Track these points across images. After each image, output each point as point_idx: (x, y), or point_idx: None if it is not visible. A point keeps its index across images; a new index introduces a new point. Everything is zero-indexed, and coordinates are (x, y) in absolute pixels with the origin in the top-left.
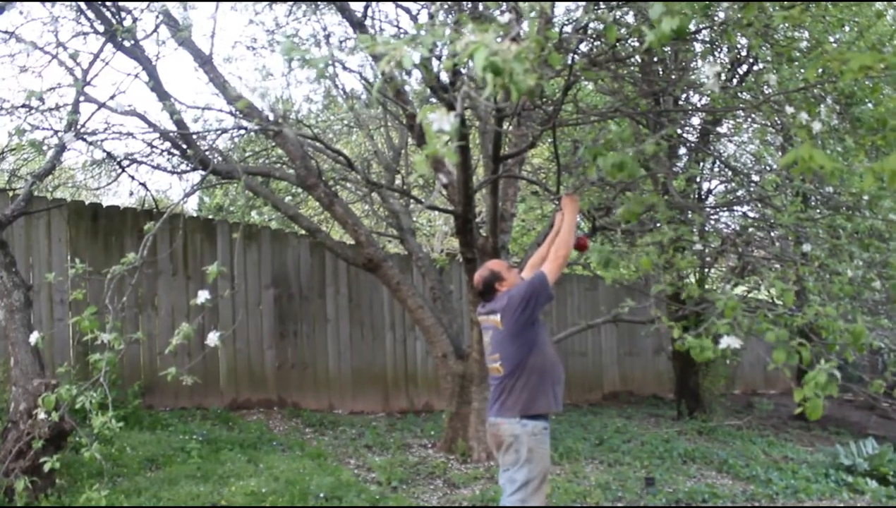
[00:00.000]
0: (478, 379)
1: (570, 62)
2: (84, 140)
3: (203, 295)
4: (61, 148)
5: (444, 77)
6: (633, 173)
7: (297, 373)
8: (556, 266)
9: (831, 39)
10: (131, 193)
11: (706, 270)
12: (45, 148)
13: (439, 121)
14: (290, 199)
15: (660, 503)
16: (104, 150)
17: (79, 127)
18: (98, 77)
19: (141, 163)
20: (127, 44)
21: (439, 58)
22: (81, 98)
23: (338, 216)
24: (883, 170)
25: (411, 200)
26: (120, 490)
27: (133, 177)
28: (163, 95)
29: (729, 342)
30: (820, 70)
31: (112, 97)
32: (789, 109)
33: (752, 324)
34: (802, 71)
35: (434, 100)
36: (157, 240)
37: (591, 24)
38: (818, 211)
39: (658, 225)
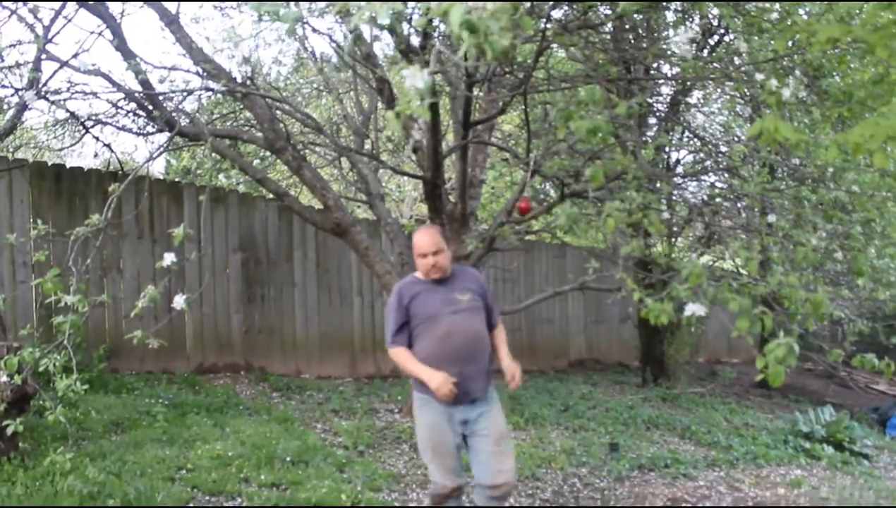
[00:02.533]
0: None
1: (542, 28)
2: (46, 99)
3: (169, 258)
4: (22, 107)
5: (415, 41)
6: (606, 138)
7: (265, 338)
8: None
9: (801, 11)
10: (96, 154)
11: (673, 239)
12: (5, 107)
13: (413, 77)
14: (258, 163)
15: (623, 468)
16: (67, 110)
17: (41, 85)
18: (60, 34)
19: (105, 123)
20: (90, 0)
21: (410, 21)
22: (43, 56)
23: (306, 180)
24: (847, 143)
25: (380, 165)
26: (84, 453)
27: (97, 138)
28: (128, 54)
29: (694, 309)
30: (789, 41)
31: (75, 55)
32: (759, 76)
33: (717, 293)
34: (772, 42)
35: (404, 63)
36: (122, 202)
37: None
38: (784, 182)
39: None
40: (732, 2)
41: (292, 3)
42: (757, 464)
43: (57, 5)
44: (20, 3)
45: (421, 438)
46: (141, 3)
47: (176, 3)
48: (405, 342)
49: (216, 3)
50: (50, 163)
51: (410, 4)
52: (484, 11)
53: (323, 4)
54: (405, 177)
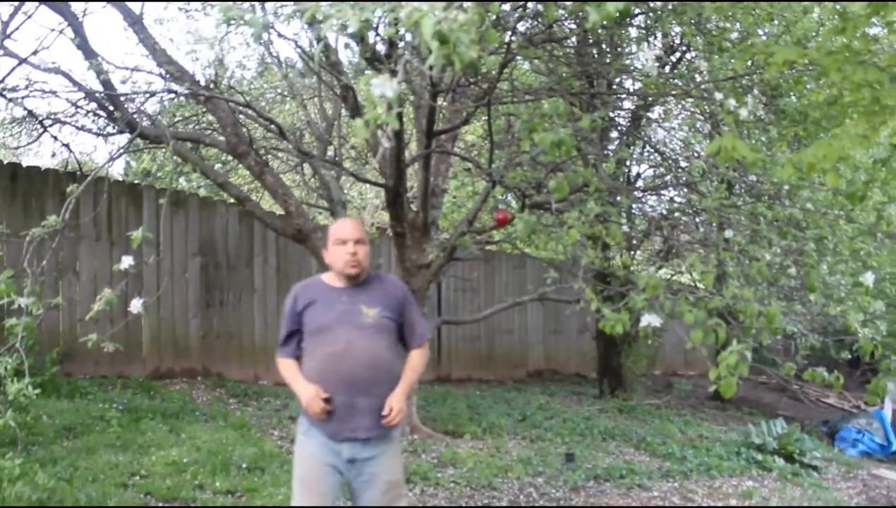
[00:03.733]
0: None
1: (507, 40)
2: (3, 96)
3: (127, 261)
4: None
5: (381, 49)
6: (570, 151)
7: (223, 343)
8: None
9: (760, 32)
10: (53, 154)
11: (632, 252)
12: None
13: (381, 86)
14: (219, 167)
15: (579, 478)
16: (25, 108)
17: None
18: (20, 31)
19: (64, 123)
20: None
21: (376, 29)
22: (1, 52)
23: (268, 185)
24: (802, 162)
25: (343, 172)
26: (34, 458)
27: (56, 138)
28: (90, 54)
29: (650, 319)
30: (748, 61)
31: (35, 52)
32: (718, 95)
33: (674, 306)
34: (732, 61)
35: (370, 71)
36: (80, 203)
37: (530, 4)
38: (741, 198)
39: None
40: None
41: (259, 8)
42: (710, 475)
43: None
44: None
45: (295, 474)
46: (104, 3)
47: (140, 4)
48: (293, 354)
49: (181, 5)
50: (5, 162)
51: (377, 13)
52: (455, 23)
53: (289, 10)
54: (367, 185)
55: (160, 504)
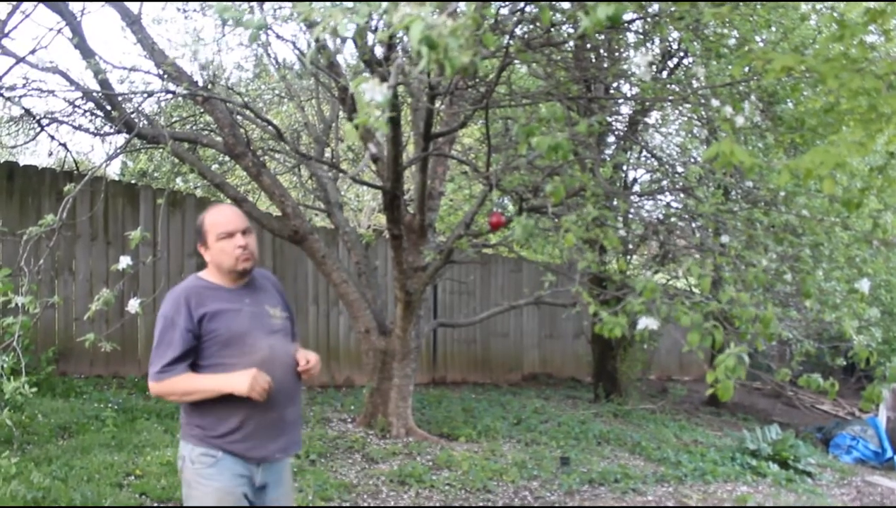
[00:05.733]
0: (400, 356)
1: (505, 44)
2: (1, 95)
3: (125, 261)
4: None
5: (379, 51)
6: (567, 155)
7: None
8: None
9: (758, 39)
10: (50, 153)
11: (628, 256)
12: None
13: (372, 91)
14: (216, 167)
15: (574, 482)
16: (22, 107)
17: None
18: (17, 30)
19: (62, 122)
20: None
21: (374, 31)
22: None
23: (265, 186)
24: (798, 168)
25: (340, 174)
26: (30, 457)
27: (53, 137)
28: (87, 53)
29: (647, 323)
30: (746, 68)
31: (32, 52)
32: (715, 102)
33: (670, 310)
34: (730, 67)
35: (368, 73)
36: (76, 202)
37: (528, 8)
38: (737, 204)
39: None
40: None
41: (256, 9)
42: (705, 481)
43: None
44: None
45: None
46: (102, 3)
47: (138, 4)
48: (182, 374)
49: (179, 5)
50: (2, 161)
51: (374, 16)
52: (444, 28)
53: (287, 12)
54: (364, 187)
55: (155, 505)
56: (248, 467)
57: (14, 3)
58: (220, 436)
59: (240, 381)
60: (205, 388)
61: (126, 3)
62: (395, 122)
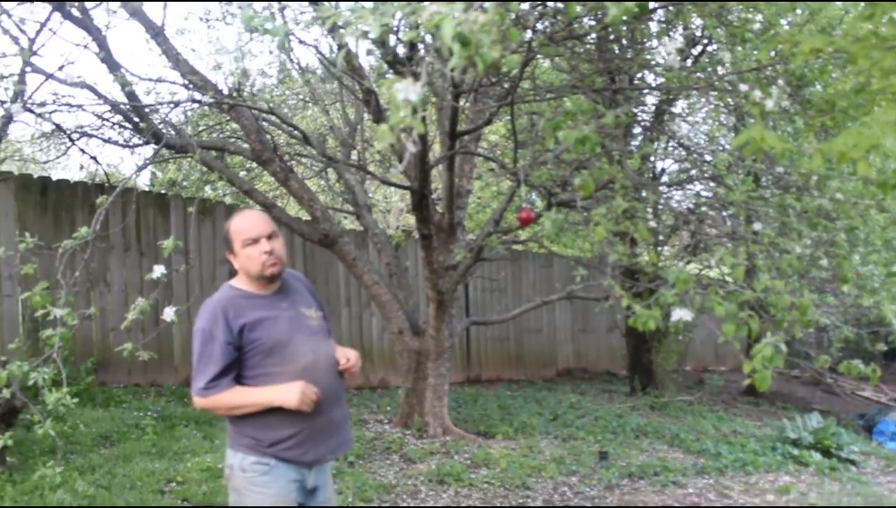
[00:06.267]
0: (434, 355)
1: (527, 38)
2: (32, 112)
3: (159, 270)
4: (8, 119)
5: (401, 52)
6: (594, 148)
7: None
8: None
9: (783, 22)
10: (81, 167)
11: (659, 248)
12: None
13: (405, 90)
14: (244, 174)
15: (613, 476)
16: (53, 123)
17: (26, 98)
18: (45, 47)
19: (91, 136)
20: (76, 12)
21: (396, 33)
22: (28, 68)
23: (293, 191)
24: (831, 152)
25: (368, 176)
26: (73, 467)
27: (83, 151)
28: (114, 66)
29: (681, 314)
30: (772, 52)
31: (61, 67)
32: (743, 87)
33: (704, 301)
34: (755, 52)
35: (391, 75)
36: (109, 214)
37: (549, 3)
38: (768, 190)
39: (615, 201)
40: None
41: (278, 15)
42: (746, 471)
43: (42, 17)
44: (5, 16)
45: None
46: (127, 16)
47: (162, 15)
48: (228, 388)
49: (202, 14)
50: (35, 176)
51: (397, 16)
52: (475, 24)
53: (309, 17)
54: (392, 188)
55: None
56: (300, 471)
57: (40, 21)
58: (271, 445)
59: (289, 395)
60: (253, 402)
61: (149, 16)
62: (422, 122)
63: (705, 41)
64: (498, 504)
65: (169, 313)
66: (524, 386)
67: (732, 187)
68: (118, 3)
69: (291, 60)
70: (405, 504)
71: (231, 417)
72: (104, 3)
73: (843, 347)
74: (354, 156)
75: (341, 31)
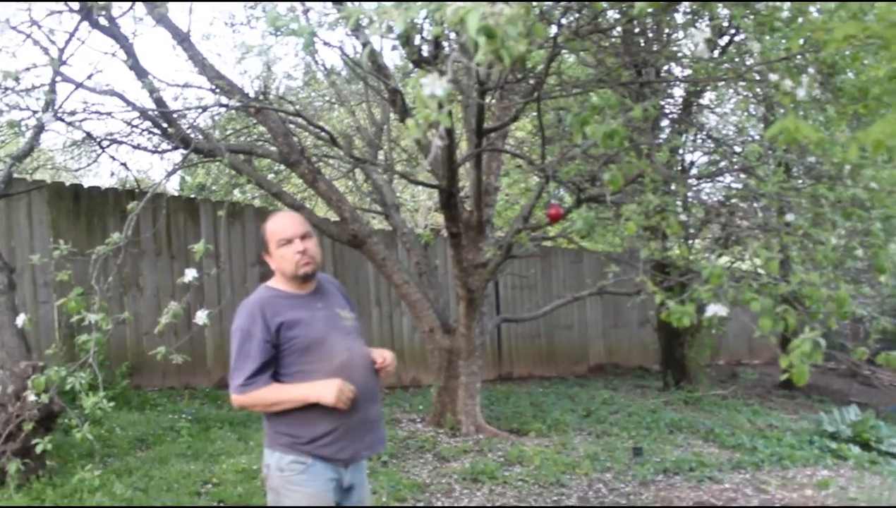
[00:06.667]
0: (465, 353)
1: (553, 33)
2: (63, 120)
3: (191, 274)
4: (39, 128)
5: (425, 50)
6: (623, 142)
7: None
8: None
9: (811, 9)
10: (112, 173)
11: (690, 241)
12: (23, 129)
13: (432, 85)
14: (272, 177)
15: (648, 472)
16: (83, 131)
17: (57, 107)
18: (74, 56)
19: (121, 142)
20: (103, 21)
21: (420, 31)
22: (58, 78)
23: (321, 192)
24: (867, 140)
25: (395, 175)
26: (111, 470)
27: (114, 158)
28: (141, 73)
29: (716, 309)
30: (801, 39)
31: (90, 76)
32: (773, 77)
33: (738, 294)
34: (784, 41)
35: (417, 73)
36: (140, 220)
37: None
38: (800, 180)
39: (647, 195)
40: (743, 1)
41: (302, 16)
42: (783, 466)
43: (70, 27)
44: (35, 27)
45: None
46: (153, 23)
47: (187, 22)
48: (265, 385)
49: (226, 19)
50: (68, 184)
51: (422, 14)
52: (501, 17)
53: (333, 17)
54: (419, 187)
55: None
56: (337, 470)
57: (68, 31)
58: (308, 442)
59: (326, 392)
60: (290, 398)
61: (175, 22)
62: (448, 118)
63: (732, 31)
64: (532, 502)
65: (201, 316)
66: (556, 383)
67: (763, 178)
68: (145, 11)
69: (316, 62)
70: (439, 504)
71: (268, 415)
72: (131, 11)
73: (881, 338)
74: (381, 155)
75: (365, 29)
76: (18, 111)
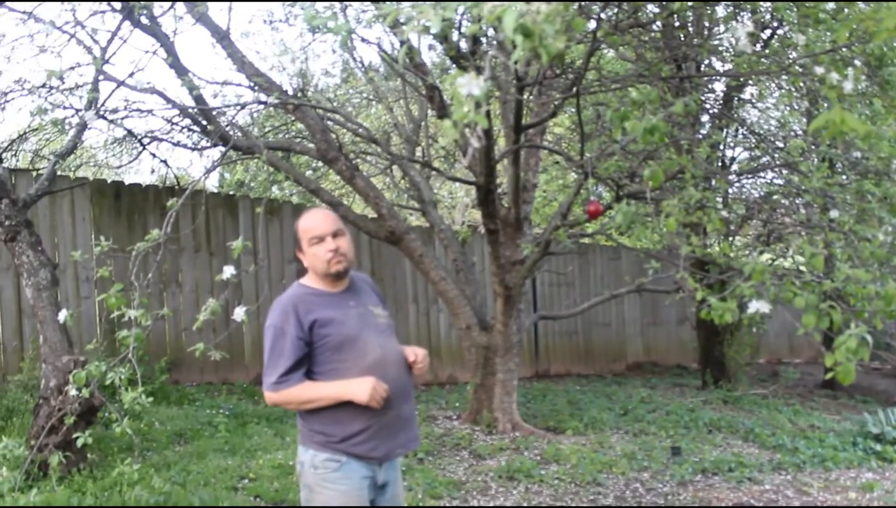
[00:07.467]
0: (502, 350)
1: (592, 28)
2: (105, 118)
3: (229, 271)
4: (82, 127)
5: (463, 46)
6: (663, 138)
7: None
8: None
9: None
10: (153, 171)
11: (731, 238)
12: (66, 127)
13: (468, 85)
14: (310, 173)
15: (686, 472)
16: (125, 128)
17: (99, 105)
18: (117, 55)
19: (161, 140)
20: (144, 20)
21: (458, 28)
22: (101, 76)
23: (359, 189)
24: None
25: (433, 172)
26: (150, 464)
27: (154, 155)
28: (181, 71)
29: (758, 306)
30: (847, 32)
31: (131, 75)
32: (819, 70)
33: (780, 291)
34: (829, 33)
35: (454, 70)
36: (179, 216)
37: None
38: (845, 176)
39: (688, 191)
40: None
41: (340, 14)
42: (825, 467)
43: (113, 27)
44: (78, 27)
45: None
46: (193, 21)
47: (226, 20)
48: (299, 383)
49: (265, 17)
50: (109, 181)
51: (459, 10)
52: (538, 15)
53: (370, 15)
54: (457, 184)
55: (269, 506)
56: (371, 468)
57: (110, 30)
58: (342, 440)
59: (359, 390)
60: (323, 396)
61: (215, 20)
62: (486, 115)
63: (775, 24)
64: (569, 501)
65: (239, 313)
66: (593, 381)
67: (807, 174)
68: (185, 10)
69: (354, 59)
70: (475, 501)
71: (302, 413)
72: (171, 10)
73: None
74: (419, 152)
75: (403, 27)
76: (62, 109)
